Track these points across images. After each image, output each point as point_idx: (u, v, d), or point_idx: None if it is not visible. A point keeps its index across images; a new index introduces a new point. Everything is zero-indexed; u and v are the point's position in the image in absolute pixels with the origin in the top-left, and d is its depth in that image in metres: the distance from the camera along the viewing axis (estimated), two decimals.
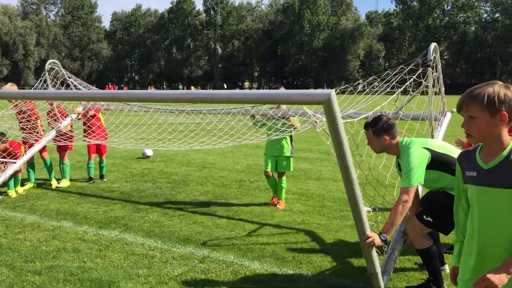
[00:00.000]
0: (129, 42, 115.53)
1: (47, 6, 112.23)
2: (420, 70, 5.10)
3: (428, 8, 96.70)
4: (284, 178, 7.59)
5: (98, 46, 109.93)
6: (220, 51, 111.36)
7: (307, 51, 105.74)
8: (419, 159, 4.02)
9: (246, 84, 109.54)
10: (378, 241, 3.78)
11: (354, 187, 3.32)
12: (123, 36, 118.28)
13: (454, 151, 4.27)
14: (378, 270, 3.96)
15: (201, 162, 11.71)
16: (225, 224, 6.61)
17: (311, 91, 2.80)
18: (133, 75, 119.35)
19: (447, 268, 4.92)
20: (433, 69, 5.25)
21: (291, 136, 7.50)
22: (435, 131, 5.86)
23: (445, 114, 6.29)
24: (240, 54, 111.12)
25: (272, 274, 4.91)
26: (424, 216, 4.37)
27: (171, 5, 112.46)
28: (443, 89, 6.02)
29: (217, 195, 8.34)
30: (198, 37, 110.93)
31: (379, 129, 4.24)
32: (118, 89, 62.11)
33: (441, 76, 5.80)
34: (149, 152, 12.66)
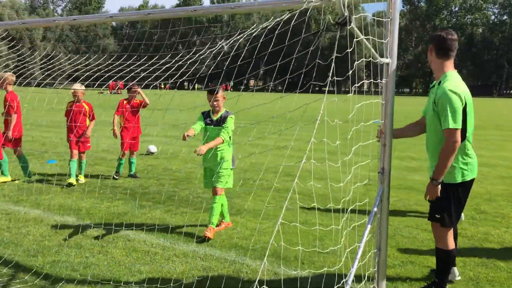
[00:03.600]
0: (136, 38, 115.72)
1: (55, 1, 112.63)
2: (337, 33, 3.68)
3: (436, 9, 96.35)
4: (219, 196, 6.09)
5: (105, 41, 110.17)
6: (226, 48, 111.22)
7: (313, 50, 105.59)
8: (460, 104, 4.00)
9: (252, 82, 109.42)
10: (434, 190, 4.15)
11: None
12: (129, 32, 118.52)
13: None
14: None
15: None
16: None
17: None
18: (141, 73, 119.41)
19: (456, 272, 4.84)
20: (349, 25, 3.79)
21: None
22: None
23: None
24: (246, 52, 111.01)
25: (274, 273, 4.90)
26: (436, 215, 4.34)
27: (178, 1, 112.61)
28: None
29: None
30: (205, 34, 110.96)
31: (432, 37, 4.29)
32: (124, 86, 61.68)
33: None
34: (153, 149, 12.67)
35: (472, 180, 4.30)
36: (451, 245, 4.37)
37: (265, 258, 3.48)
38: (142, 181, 9.33)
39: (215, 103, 6.09)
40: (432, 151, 4.34)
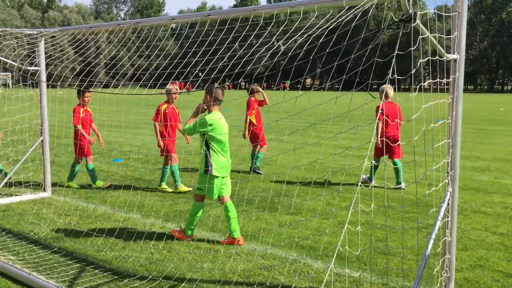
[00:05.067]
0: (194, 39, 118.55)
1: (118, 5, 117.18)
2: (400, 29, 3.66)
3: (503, 1, 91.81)
4: (193, 203, 5.88)
5: (165, 43, 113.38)
6: (282, 48, 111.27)
7: (372, 48, 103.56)
8: None
9: (308, 81, 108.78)
10: None
11: None
12: (188, 34, 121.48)
13: None
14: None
15: (263, 159, 11.76)
16: (287, 222, 6.62)
17: None
18: (197, 72, 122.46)
19: None
20: (414, 22, 3.59)
21: (207, 146, 5.73)
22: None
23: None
24: (303, 51, 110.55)
25: (336, 274, 4.86)
26: None
27: (235, 2, 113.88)
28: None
29: (279, 193, 8.37)
30: (262, 34, 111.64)
31: None
32: (184, 85, 62.08)
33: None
34: None
35: None
36: None
37: (332, 263, 3.45)
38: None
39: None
40: None
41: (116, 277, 4.74)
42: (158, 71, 7.16)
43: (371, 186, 8.74)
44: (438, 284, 4.08)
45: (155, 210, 7.19)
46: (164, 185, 8.64)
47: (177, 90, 8.79)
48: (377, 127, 8.54)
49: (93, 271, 4.88)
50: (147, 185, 9.03)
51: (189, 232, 5.87)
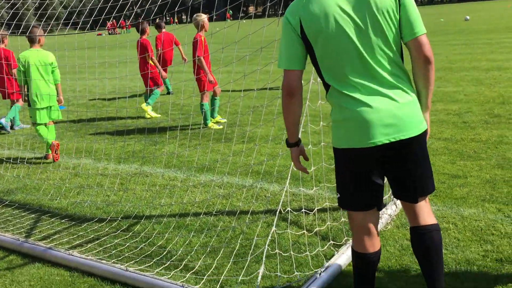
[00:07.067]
0: None
1: None
2: None
3: None
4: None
5: None
6: None
7: None
8: None
9: (251, 9, 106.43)
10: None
11: None
12: None
13: None
14: None
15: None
16: (241, 150, 6.67)
17: None
18: (134, 8, 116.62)
19: None
20: None
21: None
22: None
23: None
24: None
25: (292, 194, 4.99)
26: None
27: None
28: None
29: (231, 123, 8.36)
30: None
31: None
32: (117, 22, 58.64)
33: None
34: None
35: (355, 151, 2.50)
36: (356, 245, 2.64)
37: (287, 184, 3.55)
38: (153, 118, 9.36)
39: None
40: (398, 79, 2.45)
41: (74, 222, 4.69)
42: (89, 7, 6.73)
43: (319, 105, 8.84)
44: (390, 192, 4.26)
45: (106, 153, 7.06)
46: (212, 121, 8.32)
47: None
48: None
49: (49, 220, 4.80)
50: (95, 129, 8.80)
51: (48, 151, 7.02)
